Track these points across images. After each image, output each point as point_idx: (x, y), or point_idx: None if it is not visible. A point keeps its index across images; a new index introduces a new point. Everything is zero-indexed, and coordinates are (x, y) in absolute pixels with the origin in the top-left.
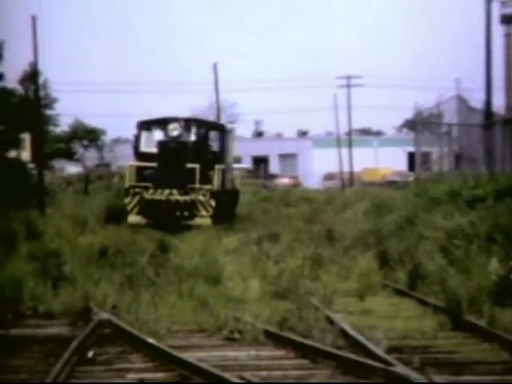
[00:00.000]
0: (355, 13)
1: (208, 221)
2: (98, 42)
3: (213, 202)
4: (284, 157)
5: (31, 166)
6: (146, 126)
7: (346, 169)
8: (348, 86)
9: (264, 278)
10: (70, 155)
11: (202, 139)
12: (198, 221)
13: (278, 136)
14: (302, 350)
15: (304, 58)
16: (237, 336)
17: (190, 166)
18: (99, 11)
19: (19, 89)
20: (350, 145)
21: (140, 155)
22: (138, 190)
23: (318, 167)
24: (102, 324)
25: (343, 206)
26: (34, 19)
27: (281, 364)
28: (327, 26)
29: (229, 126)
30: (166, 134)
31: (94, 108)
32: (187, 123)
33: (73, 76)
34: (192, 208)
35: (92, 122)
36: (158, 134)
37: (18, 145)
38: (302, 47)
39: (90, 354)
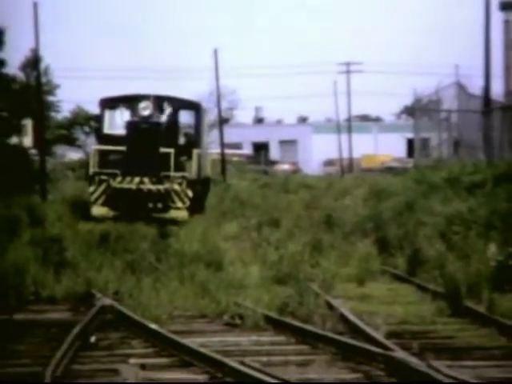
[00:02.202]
0: (357, 1)
1: (184, 214)
2: (98, 28)
3: (190, 192)
4: (284, 143)
5: (33, 152)
6: (110, 104)
7: (345, 155)
8: (348, 72)
9: (264, 264)
10: (71, 141)
11: (176, 119)
12: (172, 213)
13: (278, 122)
14: (303, 336)
15: (305, 44)
16: (238, 321)
17: (163, 150)
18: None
19: (21, 75)
20: (349, 131)
21: (103, 138)
22: (103, 177)
23: (317, 153)
24: (104, 309)
25: (343, 192)
26: (35, 6)
27: (281, 349)
28: (328, 13)
29: (204, 104)
30: (136, 114)
31: (95, 94)
32: (158, 101)
33: (74, 62)
34: (166, 199)
35: (93, 108)
36: (125, 114)
37: (19, 131)
38: (303, 34)
39: (93, 339)
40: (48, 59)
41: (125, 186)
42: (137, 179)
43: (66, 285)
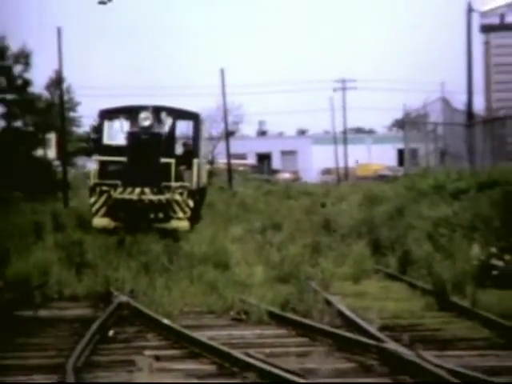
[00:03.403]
0: (352, 24)
1: (185, 224)
2: (114, 48)
3: (191, 202)
4: (285, 153)
5: (56, 163)
6: (109, 115)
7: (341, 164)
8: (343, 89)
9: (267, 264)
10: (90, 153)
11: (174, 130)
12: (174, 224)
13: (280, 135)
14: (303, 329)
15: (304, 63)
16: (243, 317)
17: (164, 160)
18: (108, 18)
19: (45, 94)
20: (345, 142)
21: (103, 149)
22: (104, 188)
23: (316, 163)
24: (121, 306)
25: (339, 199)
26: (59, 31)
27: (283, 342)
28: (326, 36)
29: (202, 114)
30: (136, 124)
31: None
32: (157, 112)
33: (93, 81)
34: (167, 209)
35: None
36: (125, 125)
37: (44, 144)
38: (302, 54)
39: (111, 333)
40: (70, 79)
41: (126, 196)
42: (138, 190)
43: (87, 284)
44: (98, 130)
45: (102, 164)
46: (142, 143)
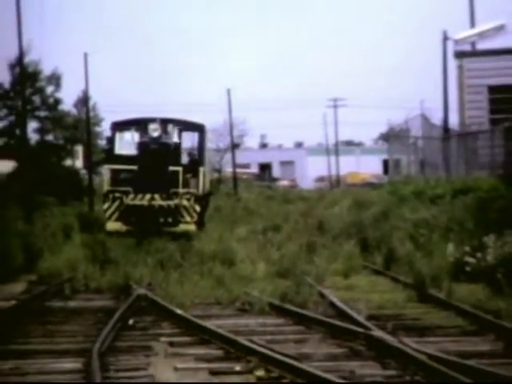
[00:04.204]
0: (343, 49)
1: (192, 227)
2: (132, 68)
3: (197, 207)
4: (284, 163)
5: (83, 171)
6: (120, 127)
7: (333, 173)
8: (335, 106)
9: (268, 261)
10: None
11: (181, 140)
12: (182, 227)
13: (279, 147)
14: (299, 319)
15: (301, 83)
16: (247, 307)
17: (172, 168)
18: (130, 45)
19: (74, 111)
20: (336, 153)
21: (115, 158)
22: (117, 194)
23: (311, 172)
24: (139, 298)
25: (331, 203)
26: (85, 56)
27: (282, 330)
28: (319, 59)
29: (205, 125)
30: (145, 135)
31: None
32: (165, 123)
33: (114, 99)
34: (176, 214)
35: None
36: (135, 136)
37: (72, 155)
38: (299, 75)
39: (131, 321)
40: (95, 97)
41: (137, 202)
42: (148, 196)
43: (110, 278)
44: (110, 140)
45: (114, 172)
46: (151, 153)
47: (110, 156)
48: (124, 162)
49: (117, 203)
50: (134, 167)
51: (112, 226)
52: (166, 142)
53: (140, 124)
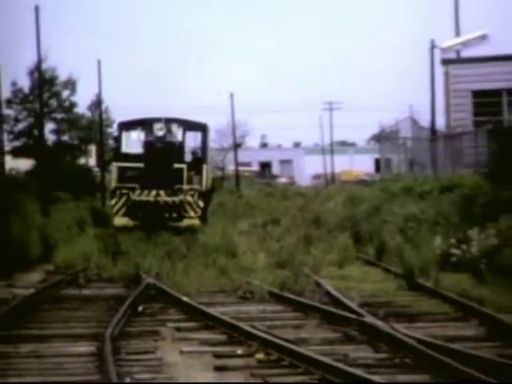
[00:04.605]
0: (337, 55)
1: (197, 222)
2: (142, 72)
3: (201, 203)
4: (283, 162)
5: (96, 169)
6: (127, 127)
7: (328, 171)
8: (330, 109)
9: (268, 253)
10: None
11: (185, 139)
12: (186, 222)
13: (279, 146)
14: (297, 306)
15: (298, 87)
16: (248, 295)
17: (176, 166)
18: (141, 52)
19: (87, 113)
20: (331, 153)
21: (121, 156)
22: (124, 191)
23: (308, 170)
24: (148, 286)
25: (327, 199)
26: (99, 63)
27: (281, 316)
28: (316, 65)
29: (208, 124)
30: (151, 135)
31: None
32: (170, 123)
33: (125, 101)
34: (180, 209)
35: None
36: (140, 135)
37: (86, 154)
38: (298, 80)
39: (140, 308)
40: (107, 101)
41: (143, 198)
42: (154, 192)
43: (121, 268)
44: (117, 140)
45: (121, 170)
46: (157, 151)
47: (117, 154)
48: (130, 159)
49: (124, 199)
50: (140, 165)
51: (119, 221)
52: (170, 141)
53: (145, 124)
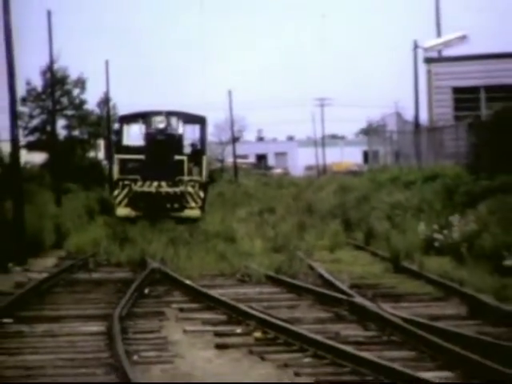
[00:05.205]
0: (329, 54)
1: (197, 212)
2: (146, 71)
3: (202, 194)
4: (278, 154)
5: (104, 162)
6: (128, 120)
7: (320, 162)
8: (322, 105)
9: (265, 238)
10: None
11: (184, 131)
12: (187, 212)
13: (274, 140)
14: (292, 288)
15: (292, 84)
16: (246, 278)
17: (177, 158)
18: (148, 55)
19: (96, 110)
20: (323, 145)
21: (123, 149)
22: (126, 182)
23: (301, 161)
24: (153, 271)
25: (319, 188)
26: (107, 63)
27: (277, 297)
28: (309, 63)
29: (206, 117)
30: (152, 127)
31: None
32: (170, 116)
33: (131, 99)
34: (181, 200)
35: None
36: (141, 128)
37: (95, 148)
38: (292, 78)
39: (146, 290)
40: (115, 98)
41: (145, 189)
42: (155, 183)
43: (128, 254)
44: (118, 133)
45: (123, 162)
46: (158, 143)
47: (118, 147)
48: (132, 152)
49: (126, 190)
50: (142, 157)
51: (122, 211)
52: (171, 133)
53: (146, 117)
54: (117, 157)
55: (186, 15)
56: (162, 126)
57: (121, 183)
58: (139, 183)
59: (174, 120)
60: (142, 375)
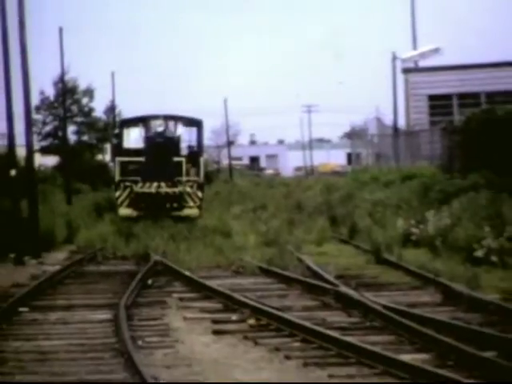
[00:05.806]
0: (316, 64)
1: (196, 211)
2: (150, 78)
3: (200, 193)
4: (269, 156)
5: (111, 164)
6: (127, 124)
7: (308, 164)
8: (309, 111)
9: (257, 233)
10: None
11: (182, 134)
12: (186, 211)
13: (265, 143)
14: (282, 278)
15: (282, 92)
16: (241, 270)
17: (176, 159)
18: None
19: (103, 117)
20: (310, 148)
21: (123, 151)
22: (127, 183)
23: (290, 163)
24: (156, 263)
25: (307, 188)
26: (113, 75)
27: (269, 287)
28: (295, 73)
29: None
30: (150, 130)
31: None
32: (168, 119)
33: (134, 105)
34: (181, 199)
35: None
36: (141, 131)
37: (102, 152)
38: (280, 85)
39: (149, 281)
40: (120, 105)
41: (145, 190)
42: (155, 184)
43: (133, 248)
44: (118, 136)
45: (124, 164)
46: (157, 145)
47: (119, 150)
48: (132, 154)
49: (127, 191)
50: (141, 159)
51: (124, 211)
52: (169, 136)
53: (146, 120)
54: (117, 159)
55: (186, 26)
56: (160, 129)
57: (122, 185)
58: (140, 184)
59: (171, 123)
60: (145, 358)
